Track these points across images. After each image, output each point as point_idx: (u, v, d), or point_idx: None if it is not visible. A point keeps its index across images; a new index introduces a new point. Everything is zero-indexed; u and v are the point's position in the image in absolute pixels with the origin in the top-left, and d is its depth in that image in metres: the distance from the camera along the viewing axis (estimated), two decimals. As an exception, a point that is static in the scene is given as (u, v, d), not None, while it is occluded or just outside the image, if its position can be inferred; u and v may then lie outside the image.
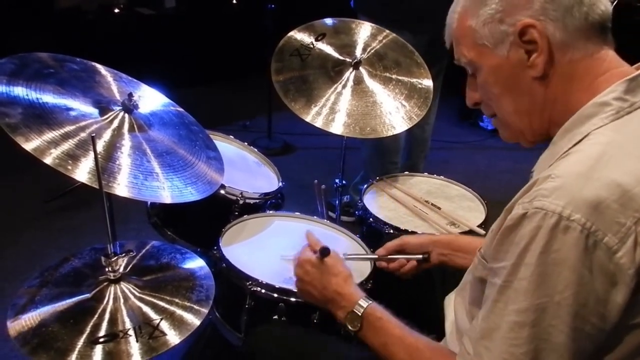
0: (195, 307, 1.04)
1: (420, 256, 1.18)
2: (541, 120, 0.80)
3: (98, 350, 0.92)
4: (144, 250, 1.19)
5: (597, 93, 0.74)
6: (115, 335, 0.94)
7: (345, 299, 0.99)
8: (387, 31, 1.70)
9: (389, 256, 1.21)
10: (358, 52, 1.64)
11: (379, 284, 1.26)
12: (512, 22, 0.75)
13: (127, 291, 1.05)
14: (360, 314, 0.95)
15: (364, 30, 1.69)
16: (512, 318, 0.69)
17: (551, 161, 0.75)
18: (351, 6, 2.27)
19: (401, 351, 0.88)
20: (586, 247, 0.65)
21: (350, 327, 0.96)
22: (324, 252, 1.04)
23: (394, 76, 1.64)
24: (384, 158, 2.35)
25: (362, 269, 1.29)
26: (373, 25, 1.70)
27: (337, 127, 1.53)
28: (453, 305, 1.00)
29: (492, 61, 0.79)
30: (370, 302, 0.97)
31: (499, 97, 0.82)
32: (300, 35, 1.65)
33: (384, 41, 1.69)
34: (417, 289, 1.25)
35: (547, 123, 0.80)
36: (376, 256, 1.23)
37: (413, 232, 1.47)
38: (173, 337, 0.96)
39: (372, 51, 1.66)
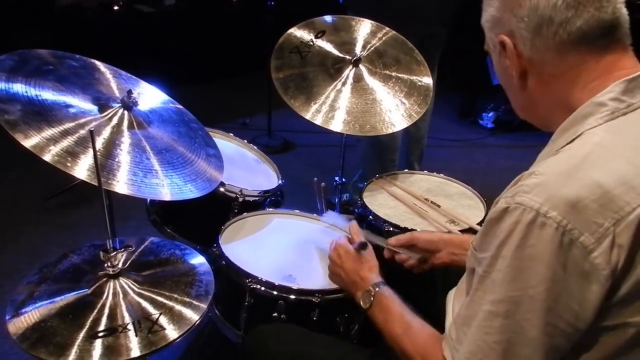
0: (195, 302, 1.04)
1: (419, 256, 1.22)
2: (537, 116, 0.84)
3: (97, 344, 0.92)
4: (142, 246, 1.19)
5: (596, 92, 0.74)
6: (114, 330, 0.95)
7: (365, 281, 1.07)
8: (387, 28, 1.70)
9: (394, 248, 1.24)
10: (358, 49, 1.65)
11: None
12: (496, 33, 0.81)
13: (126, 286, 1.05)
14: (372, 293, 1.03)
15: (363, 28, 1.69)
16: (488, 307, 0.71)
17: (546, 159, 0.76)
18: (339, 2, 2.26)
19: (397, 327, 0.94)
20: (561, 244, 0.65)
21: (362, 305, 1.03)
22: (363, 246, 1.14)
23: (393, 74, 1.64)
24: (382, 156, 2.35)
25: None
26: (373, 22, 1.70)
27: (337, 125, 1.53)
28: (453, 300, 1.00)
29: (494, 58, 0.85)
30: (383, 286, 1.05)
31: (504, 88, 0.88)
32: (300, 33, 1.65)
33: (383, 38, 1.69)
34: (419, 285, 1.26)
35: (545, 118, 0.82)
36: (385, 244, 1.26)
37: (413, 230, 1.47)
38: (172, 332, 0.97)
39: (372, 49, 1.66)
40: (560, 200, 0.66)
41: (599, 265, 0.65)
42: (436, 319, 1.05)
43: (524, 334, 0.68)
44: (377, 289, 1.03)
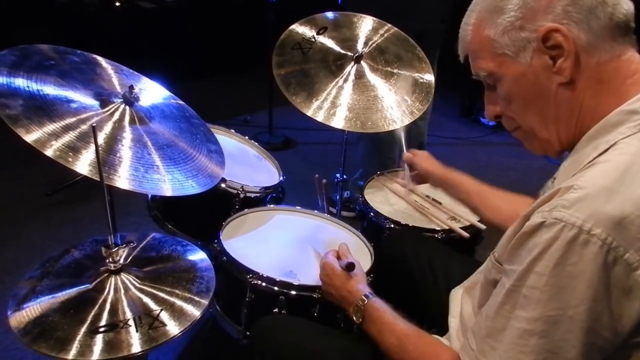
0: (196, 298, 1.04)
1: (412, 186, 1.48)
2: (568, 128, 0.77)
3: (98, 339, 0.92)
4: (144, 242, 1.19)
5: (626, 98, 0.72)
6: (115, 325, 0.95)
7: (353, 295, 1.06)
8: (389, 25, 1.69)
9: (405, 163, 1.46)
10: (359, 46, 1.64)
11: (381, 278, 1.27)
12: (534, 28, 0.73)
13: (127, 282, 1.05)
14: (363, 307, 1.01)
15: (365, 24, 1.69)
16: (522, 325, 0.68)
17: (574, 170, 0.73)
18: (338, 3, 2.26)
19: (392, 337, 0.93)
20: (605, 262, 0.63)
21: (355, 320, 1.02)
22: (350, 267, 1.13)
23: (395, 70, 1.64)
24: (382, 154, 2.36)
25: (362, 264, 1.29)
26: (375, 19, 1.69)
27: (338, 122, 1.52)
28: (460, 301, 1.00)
29: (515, 70, 0.77)
30: (373, 297, 1.03)
31: (523, 107, 0.80)
32: (301, 29, 1.65)
33: (385, 35, 1.68)
34: (421, 284, 1.26)
35: (574, 130, 0.77)
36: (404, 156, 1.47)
37: (413, 227, 1.47)
38: (173, 328, 0.97)
39: (374, 45, 1.66)
40: (604, 216, 0.63)
41: None
42: (439, 318, 1.06)
43: (561, 355, 0.66)
44: (366, 301, 1.02)
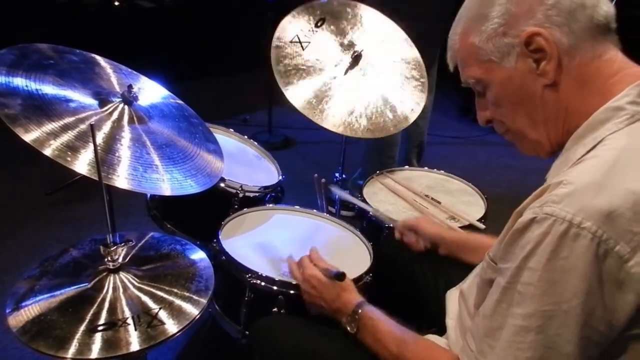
0: (194, 297, 1.04)
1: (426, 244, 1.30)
2: (556, 129, 0.79)
3: (97, 338, 0.92)
4: (143, 241, 1.20)
5: (610, 96, 0.73)
6: (114, 324, 0.95)
7: (346, 305, 1.05)
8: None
9: (403, 230, 1.34)
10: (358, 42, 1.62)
11: (380, 278, 1.27)
12: (516, 34, 0.75)
13: (126, 281, 1.05)
14: (356, 317, 1.00)
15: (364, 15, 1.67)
16: (518, 322, 0.69)
17: (564, 168, 0.74)
18: None
19: (389, 344, 0.92)
20: (596, 255, 0.64)
21: (349, 330, 1.01)
22: (341, 277, 1.09)
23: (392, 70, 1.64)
24: (382, 152, 2.36)
25: (362, 263, 1.29)
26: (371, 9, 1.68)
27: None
28: (457, 301, 1.00)
29: (501, 75, 0.79)
30: (366, 306, 1.03)
31: (512, 111, 0.82)
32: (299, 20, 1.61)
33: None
34: (421, 285, 1.26)
35: (563, 131, 0.78)
36: (394, 225, 1.38)
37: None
38: (171, 327, 0.97)
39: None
40: (594, 210, 0.64)
41: (634, 274, 0.64)
42: (438, 317, 1.06)
43: (557, 350, 0.67)
44: (359, 310, 1.01)
